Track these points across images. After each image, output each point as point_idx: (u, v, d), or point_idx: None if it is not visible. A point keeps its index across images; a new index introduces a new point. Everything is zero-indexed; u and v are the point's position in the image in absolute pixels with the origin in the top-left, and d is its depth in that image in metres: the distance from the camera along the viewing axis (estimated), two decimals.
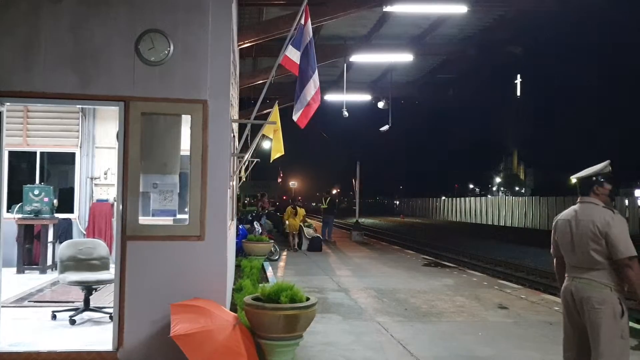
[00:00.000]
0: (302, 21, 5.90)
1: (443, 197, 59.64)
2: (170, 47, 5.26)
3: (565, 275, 4.29)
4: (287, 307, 4.88)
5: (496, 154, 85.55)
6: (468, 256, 22.60)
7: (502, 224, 46.05)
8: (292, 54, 5.93)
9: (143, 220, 5.34)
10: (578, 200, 4.26)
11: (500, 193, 76.33)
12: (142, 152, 5.22)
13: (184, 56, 5.33)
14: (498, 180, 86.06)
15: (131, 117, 5.22)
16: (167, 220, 6.29)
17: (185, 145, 5.49)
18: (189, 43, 5.34)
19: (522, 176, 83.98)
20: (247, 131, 6.43)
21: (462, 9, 11.83)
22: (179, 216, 5.88)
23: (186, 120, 5.42)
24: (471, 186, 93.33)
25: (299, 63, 5.90)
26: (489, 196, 63.66)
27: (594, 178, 4.18)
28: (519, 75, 17.78)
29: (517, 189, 78.37)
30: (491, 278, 13.22)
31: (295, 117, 6.03)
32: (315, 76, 5.87)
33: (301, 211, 19.33)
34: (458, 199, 59.70)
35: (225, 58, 5.48)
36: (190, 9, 5.35)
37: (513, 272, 17.97)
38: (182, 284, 5.19)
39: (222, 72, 5.44)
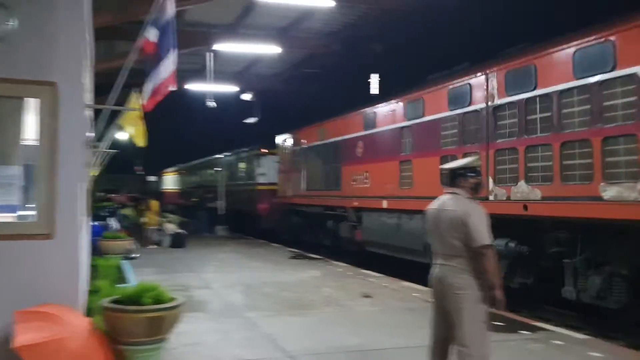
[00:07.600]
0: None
1: None
2: (12, 21, 4.62)
3: (432, 262, 4.47)
4: (151, 309, 4.52)
5: None
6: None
7: None
8: (151, 35, 5.45)
9: None
10: (444, 190, 4.48)
11: None
12: None
13: (30, 32, 4.72)
14: None
15: None
16: (8, 217, 5.53)
17: (31, 133, 4.87)
18: (35, 18, 4.74)
19: None
20: (105, 118, 5.86)
21: (329, 3, 11.85)
22: (21, 212, 5.18)
23: (34, 105, 4.80)
24: None
25: (156, 42, 5.40)
26: None
27: (460, 171, 4.40)
28: (372, 75, 18.25)
29: None
30: (355, 267, 13.56)
31: (144, 99, 5.47)
32: (173, 56, 5.29)
33: (154, 205, 18.62)
34: None
35: (78, 37, 4.94)
36: None
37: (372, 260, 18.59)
38: (28, 289, 4.60)
39: (74, 52, 4.90)
